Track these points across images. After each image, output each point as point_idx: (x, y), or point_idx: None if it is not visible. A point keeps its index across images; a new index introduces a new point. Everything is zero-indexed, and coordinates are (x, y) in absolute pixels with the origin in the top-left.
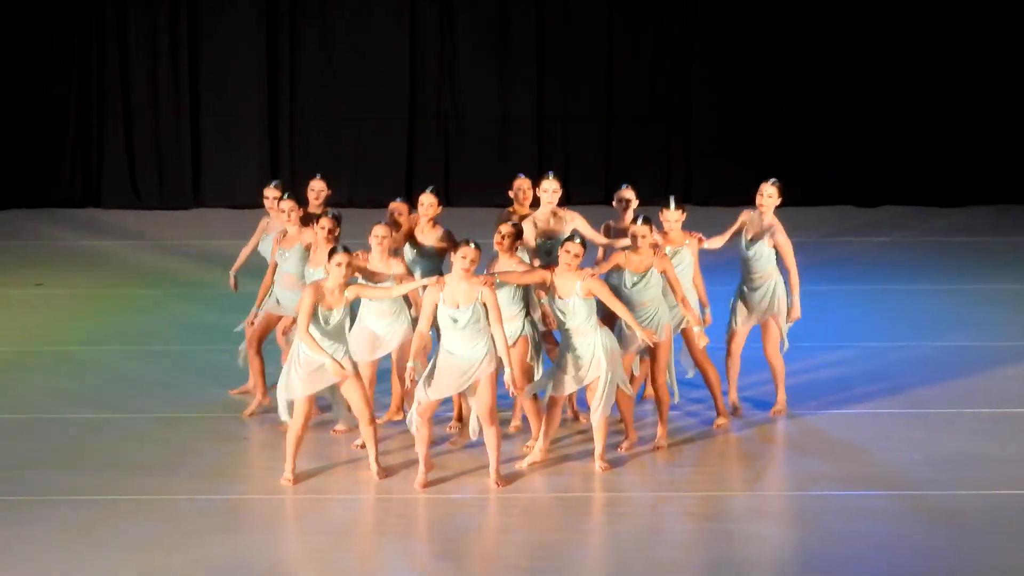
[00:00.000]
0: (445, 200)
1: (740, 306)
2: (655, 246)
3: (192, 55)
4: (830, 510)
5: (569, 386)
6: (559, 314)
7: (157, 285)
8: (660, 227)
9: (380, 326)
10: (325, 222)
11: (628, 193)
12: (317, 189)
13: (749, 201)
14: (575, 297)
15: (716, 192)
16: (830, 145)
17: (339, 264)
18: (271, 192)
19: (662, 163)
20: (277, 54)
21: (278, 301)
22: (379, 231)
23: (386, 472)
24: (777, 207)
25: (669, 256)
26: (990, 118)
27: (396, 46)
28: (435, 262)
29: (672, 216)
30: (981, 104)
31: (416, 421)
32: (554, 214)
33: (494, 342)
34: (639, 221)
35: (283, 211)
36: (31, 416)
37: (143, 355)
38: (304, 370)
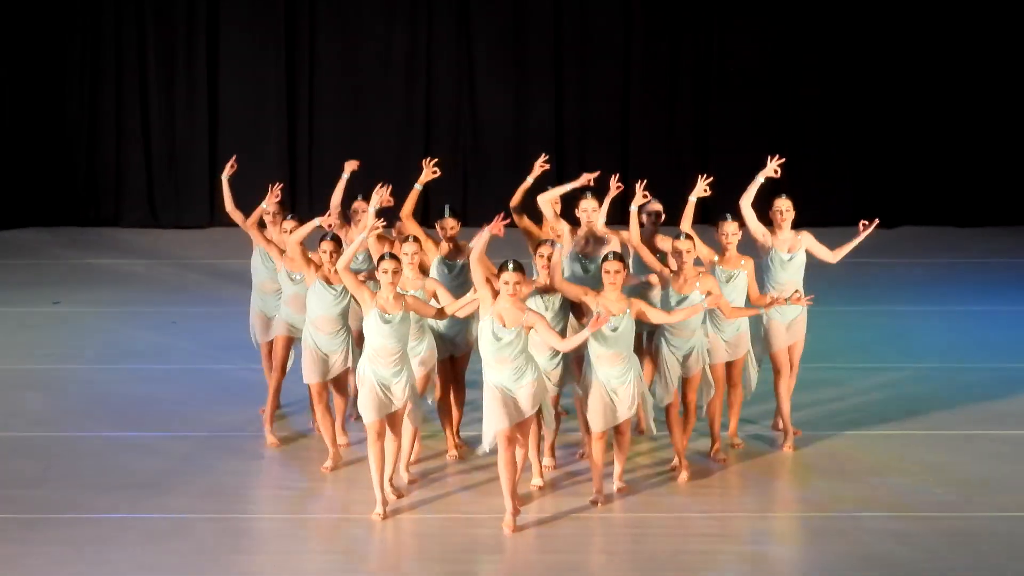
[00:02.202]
0: (463, 220)
1: (775, 327)
2: (702, 270)
3: (210, 74)
4: (845, 532)
5: (605, 423)
6: (606, 334)
7: (174, 303)
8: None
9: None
10: (326, 245)
11: (656, 207)
12: (361, 211)
13: (766, 220)
14: (625, 317)
15: (734, 210)
16: (848, 165)
17: (386, 271)
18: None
19: (678, 181)
20: (295, 73)
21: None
22: (408, 248)
23: (400, 493)
24: (795, 226)
25: (723, 280)
26: (1009, 138)
27: (414, 66)
28: (465, 275)
29: (729, 229)
30: (1000, 124)
31: (501, 458)
32: (594, 234)
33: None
34: (682, 237)
35: (286, 231)
36: (46, 434)
37: (160, 374)
38: (368, 394)
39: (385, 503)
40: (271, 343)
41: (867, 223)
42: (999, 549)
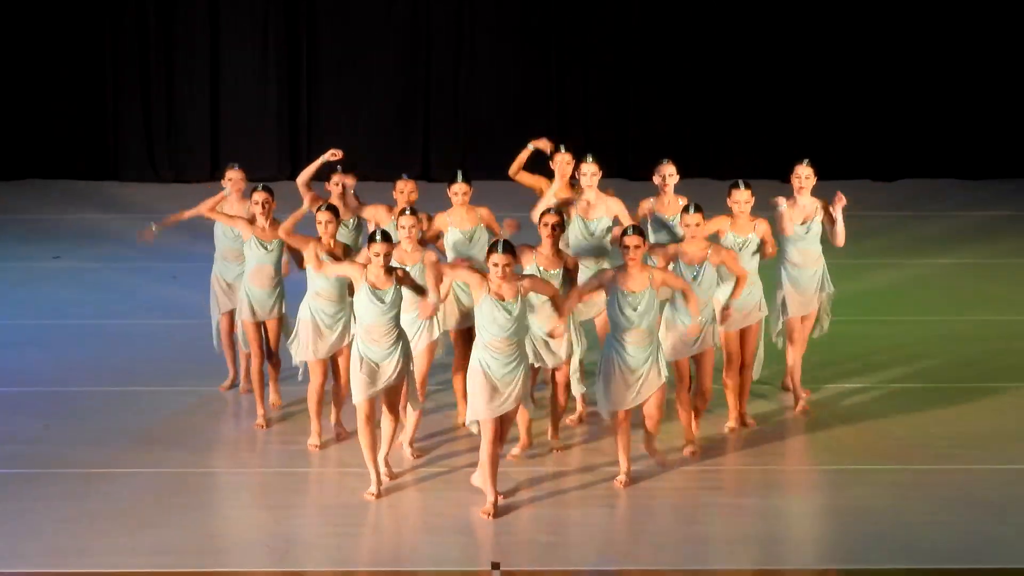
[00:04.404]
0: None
1: (792, 294)
2: (709, 240)
3: (212, 27)
4: (848, 485)
5: (628, 401)
6: (629, 312)
7: (174, 258)
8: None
9: (403, 322)
10: (323, 215)
11: (669, 168)
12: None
13: (768, 175)
14: (647, 293)
15: (735, 167)
16: (848, 119)
17: (377, 255)
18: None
19: (681, 138)
20: (296, 27)
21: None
22: (406, 221)
23: (392, 474)
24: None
25: (737, 247)
26: (1009, 91)
27: (415, 29)
28: (482, 242)
29: (742, 197)
30: (1000, 77)
31: (484, 451)
32: (590, 200)
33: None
34: (691, 210)
35: (256, 203)
36: (49, 389)
37: (160, 329)
38: (357, 372)
39: (380, 483)
40: (230, 314)
41: (838, 201)
42: (1001, 501)
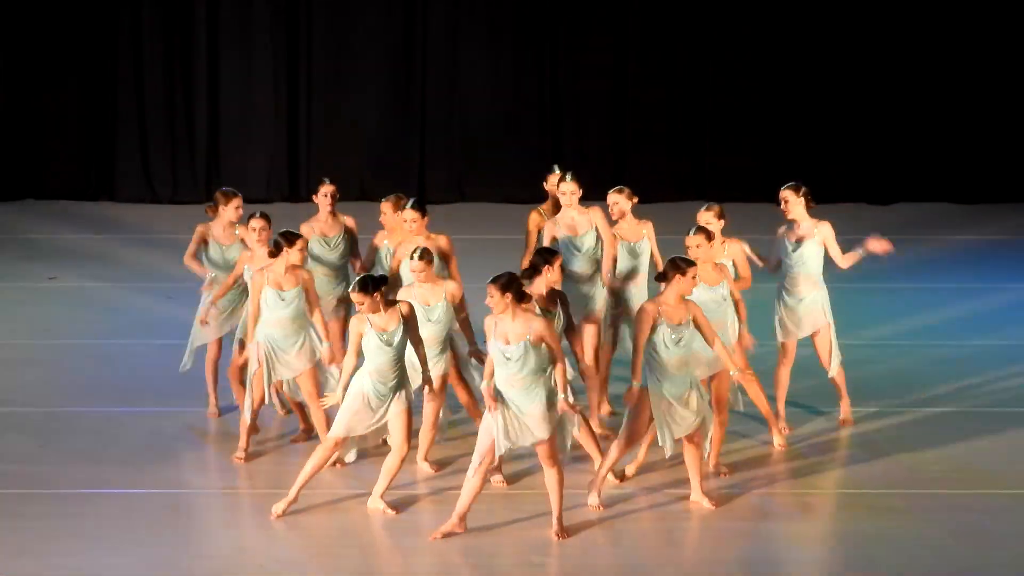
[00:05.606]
0: (459, 194)
1: (785, 319)
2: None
3: (210, 48)
4: (840, 508)
5: (672, 439)
6: (670, 344)
7: (170, 279)
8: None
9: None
10: (300, 243)
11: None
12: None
13: (762, 197)
14: (688, 325)
15: (730, 188)
16: (844, 142)
17: (360, 304)
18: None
19: (675, 159)
20: (295, 48)
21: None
22: (416, 266)
23: (394, 509)
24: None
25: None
26: (1005, 115)
27: (409, 40)
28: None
29: (704, 218)
30: (996, 101)
31: (474, 469)
32: (574, 216)
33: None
34: (692, 232)
35: (253, 229)
36: (45, 410)
37: (155, 348)
38: (353, 409)
39: (290, 504)
40: (218, 343)
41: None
42: (996, 526)
